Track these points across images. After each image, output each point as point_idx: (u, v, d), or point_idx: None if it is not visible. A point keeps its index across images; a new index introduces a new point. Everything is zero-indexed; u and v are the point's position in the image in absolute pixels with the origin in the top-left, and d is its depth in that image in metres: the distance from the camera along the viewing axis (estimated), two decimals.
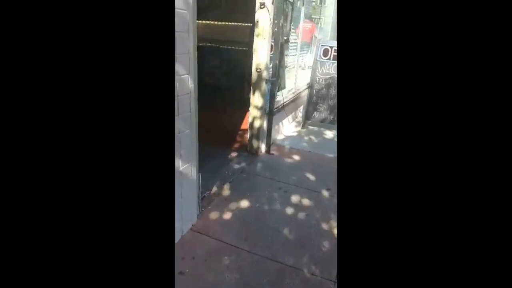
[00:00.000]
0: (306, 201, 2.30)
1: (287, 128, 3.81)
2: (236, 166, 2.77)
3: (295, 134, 3.71)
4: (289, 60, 3.84)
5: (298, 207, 2.22)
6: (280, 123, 3.59)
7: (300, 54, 4.08)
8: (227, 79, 5.46)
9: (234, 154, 3.04)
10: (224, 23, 5.60)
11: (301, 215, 2.13)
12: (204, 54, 5.84)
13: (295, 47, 3.90)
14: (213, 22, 5.75)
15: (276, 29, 2.68)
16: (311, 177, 2.67)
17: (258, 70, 2.78)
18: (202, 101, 4.58)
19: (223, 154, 3.00)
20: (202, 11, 5.62)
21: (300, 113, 4.27)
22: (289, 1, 3.38)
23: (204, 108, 4.33)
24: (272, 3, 2.56)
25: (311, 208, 2.23)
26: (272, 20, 2.62)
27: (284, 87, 3.98)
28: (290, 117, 3.95)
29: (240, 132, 3.57)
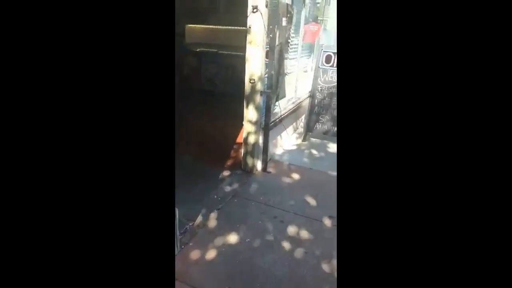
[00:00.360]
0: (304, 234, 2.00)
1: (287, 141, 3.51)
2: (227, 189, 2.48)
3: (295, 147, 3.41)
4: (290, 63, 3.54)
5: (295, 241, 1.92)
6: (279, 136, 3.29)
7: (301, 57, 3.78)
8: (225, 86, 5.19)
9: (226, 173, 2.75)
10: (222, 27, 5.36)
11: (299, 253, 1.83)
12: (202, 60, 5.61)
13: (295, 51, 3.60)
14: (211, 26, 5.51)
15: (271, 35, 2.39)
16: (312, 201, 2.37)
17: (251, 81, 2.49)
18: (197, 110, 4.30)
19: (214, 173, 2.71)
20: (199, 15, 5.40)
21: (301, 123, 3.97)
22: (288, 4, 3.09)
23: (199, 117, 4.11)
24: (266, 6, 2.27)
25: (311, 242, 1.92)
26: (266, 26, 2.33)
27: (284, 96, 3.68)
28: (290, 128, 3.65)
29: (235, 146, 3.28)
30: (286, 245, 1.89)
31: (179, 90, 5.45)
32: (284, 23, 3.46)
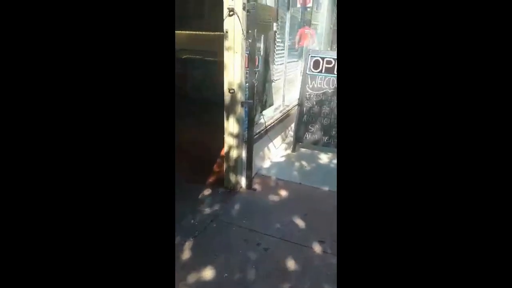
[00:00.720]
0: (291, 264, 1.75)
1: (275, 152, 3.28)
2: (207, 211, 2.23)
3: (283, 159, 3.18)
4: (277, 69, 3.34)
5: (280, 274, 1.68)
6: (266, 148, 3.06)
7: (289, 62, 3.57)
8: (212, 93, 4.95)
9: (207, 191, 2.51)
10: (208, 32, 5.16)
11: None
12: (188, 67, 5.40)
13: (282, 56, 3.40)
14: (197, 32, 5.31)
15: (250, 40, 2.17)
16: (301, 223, 2.13)
17: (231, 91, 2.26)
18: (181, 119, 4.06)
19: (193, 192, 2.46)
20: (184, 21, 5.20)
21: (291, 132, 3.75)
22: (277, 8, 2.90)
23: (182, 128, 3.86)
24: (244, 8, 2.06)
25: (298, 274, 1.68)
26: (245, 30, 2.11)
27: (272, 104, 3.47)
28: (278, 138, 3.42)
29: (219, 160, 3.04)
30: (270, 280, 1.64)
31: None
32: (275, 28, 3.27)
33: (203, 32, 5.16)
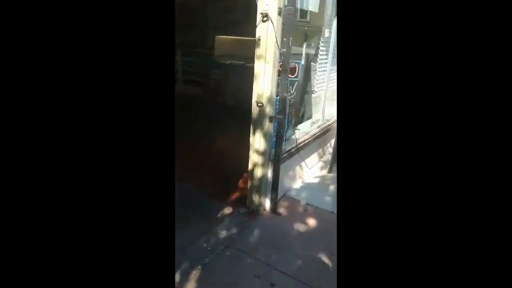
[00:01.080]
0: None
1: (308, 171, 2.97)
2: (223, 234, 2.03)
3: (317, 180, 2.86)
4: (317, 78, 3.04)
5: None
6: (298, 166, 2.78)
7: (332, 72, 3.24)
8: (250, 102, 4.84)
9: (227, 210, 2.32)
10: (251, 38, 5.05)
11: None
12: (229, 73, 5.35)
13: (324, 69, 3.09)
14: (241, 38, 5.24)
15: (284, 49, 1.93)
16: (327, 262, 1.82)
17: (259, 105, 2.05)
18: (213, 127, 3.94)
19: (211, 210, 2.29)
20: (229, 26, 5.18)
21: (330, 149, 3.40)
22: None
23: (212, 136, 3.77)
24: (279, 14, 1.83)
25: None
26: (279, 37, 1.88)
27: (310, 117, 3.18)
28: (314, 156, 3.11)
29: (246, 174, 2.84)
30: None
31: (200, 103, 5.24)
32: (327, 34, 2.99)
33: (248, 38, 5.06)
